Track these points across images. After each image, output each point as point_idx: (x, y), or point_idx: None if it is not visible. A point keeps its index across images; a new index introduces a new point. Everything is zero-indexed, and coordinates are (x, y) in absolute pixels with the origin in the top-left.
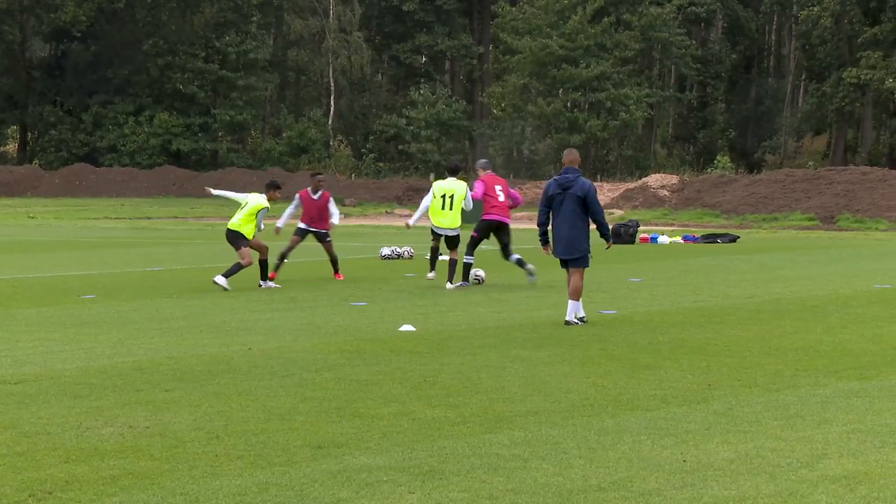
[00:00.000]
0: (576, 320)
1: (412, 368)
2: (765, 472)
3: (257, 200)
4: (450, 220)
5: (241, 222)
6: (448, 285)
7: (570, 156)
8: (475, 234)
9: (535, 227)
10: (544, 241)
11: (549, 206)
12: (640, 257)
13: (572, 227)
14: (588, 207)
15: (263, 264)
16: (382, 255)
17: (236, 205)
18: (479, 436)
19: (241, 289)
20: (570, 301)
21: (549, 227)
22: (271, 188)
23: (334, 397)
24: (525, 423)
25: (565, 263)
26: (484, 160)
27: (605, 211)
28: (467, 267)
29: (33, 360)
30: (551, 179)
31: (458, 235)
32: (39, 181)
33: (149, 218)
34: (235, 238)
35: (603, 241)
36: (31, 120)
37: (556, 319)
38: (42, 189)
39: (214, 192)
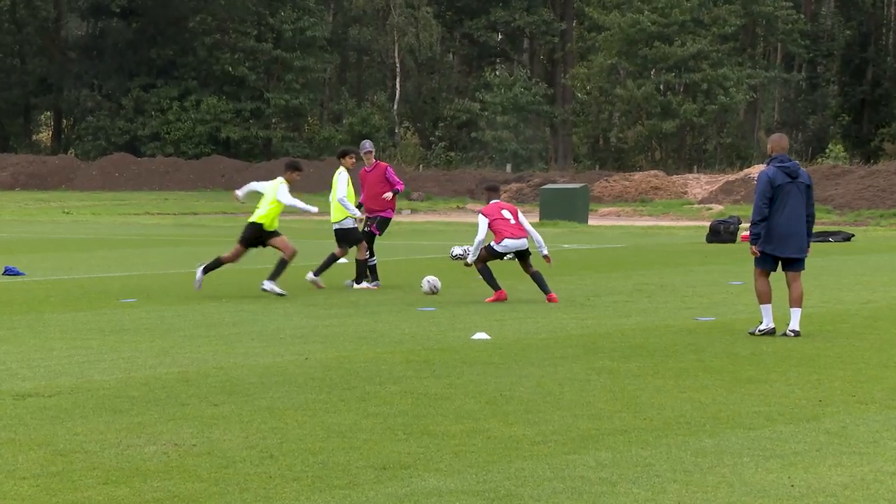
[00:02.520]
0: (793, 332)
1: (487, 381)
2: (884, 498)
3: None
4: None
5: (269, 213)
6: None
7: (783, 142)
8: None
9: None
10: (757, 240)
11: (772, 198)
12: (742, 258)
13: (801, 222)
14: (808, 199)
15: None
16: (453, 254)
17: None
18: (561, 456)
19: (297, 292)
20: (796, 309)
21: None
22: (290, 169)
23: (400, 413)
24: (613, 443)
25: (776, 264)
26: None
27: (702, 206)
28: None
29: (69, 370)
30: (769, 168)
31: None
32: (75, 173)
33: (195, 213)
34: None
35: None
36: (67, 105)
37: (648, 327)
38: (78, 182)
39: (241, 192)
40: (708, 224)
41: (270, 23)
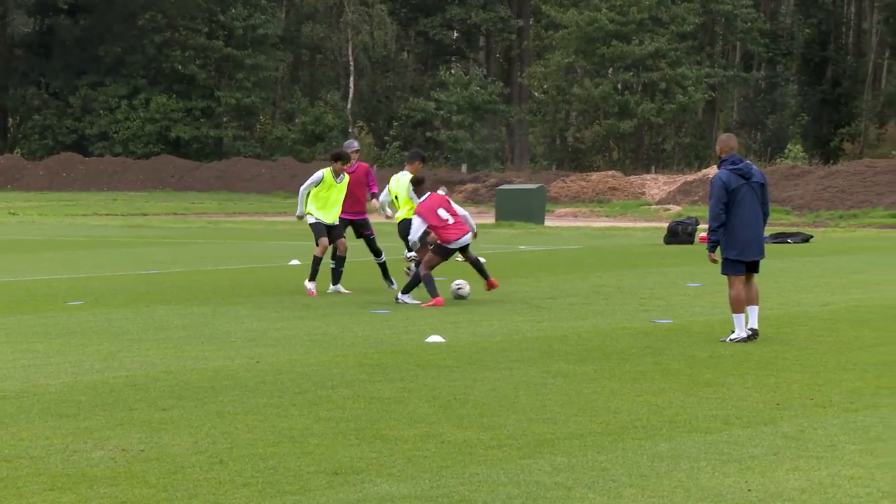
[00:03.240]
0: (752, 330)
1: (441, 385)
2: (840, 503)
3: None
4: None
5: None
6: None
7: (731, 142)
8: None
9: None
10: (715, 247)
11: (728, 202)
12: (700, 259)
13: (759, 223)
14: (764, 197)
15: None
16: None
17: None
18: (516, 461)
19: (248, 294)
20: (752, 307)
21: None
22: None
23: (353, 417)
24: (568, 447)
25: (739, 268)
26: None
27: (660, 207)
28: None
29: (14, 374)
30: (722, 171)
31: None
32: (21, 173)
33: (144, 214)
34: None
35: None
36: (13, 104)
37: (604, 329)
38: (24, 182)
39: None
40: (666, 225)
41: (221, 20)
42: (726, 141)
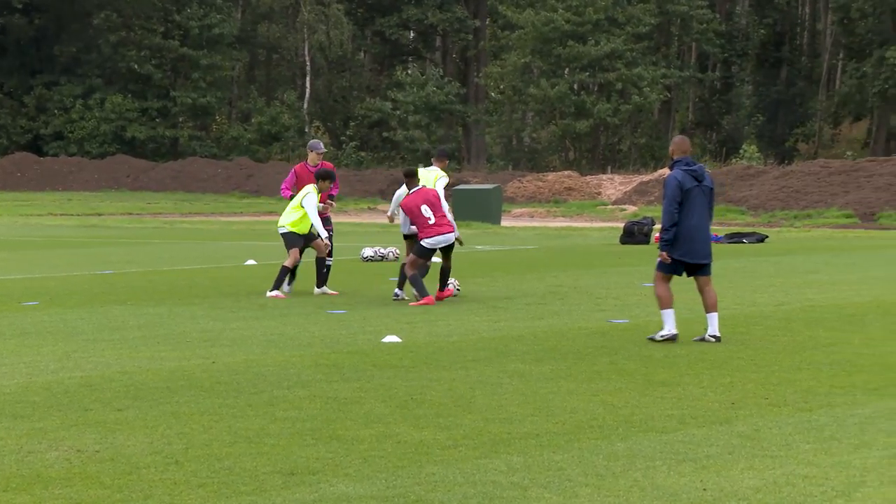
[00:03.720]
0: (713, 337)
1: (397, 385)
2: (795, 501)
3: None
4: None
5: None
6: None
7: (685, 144)
8: None
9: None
10: (668, 245)
11: (681, 202)
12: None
13: (707, 226)
14: (710, 202)
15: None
16: (364, 256)
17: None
18: (472, 461)
19: (204, 295)
20: (712, 314)
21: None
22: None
23: (309, 417)
24: (525, 447)
25: (685, 270)
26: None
27: (616, 207)
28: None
29: None
30: (677, 171)
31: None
32: None
33: (99, 214)
34: None
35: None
36: None
37: (561, 329)
38: None
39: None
40: (622, 225)
41: (177, 20)
42: (680, 144)
